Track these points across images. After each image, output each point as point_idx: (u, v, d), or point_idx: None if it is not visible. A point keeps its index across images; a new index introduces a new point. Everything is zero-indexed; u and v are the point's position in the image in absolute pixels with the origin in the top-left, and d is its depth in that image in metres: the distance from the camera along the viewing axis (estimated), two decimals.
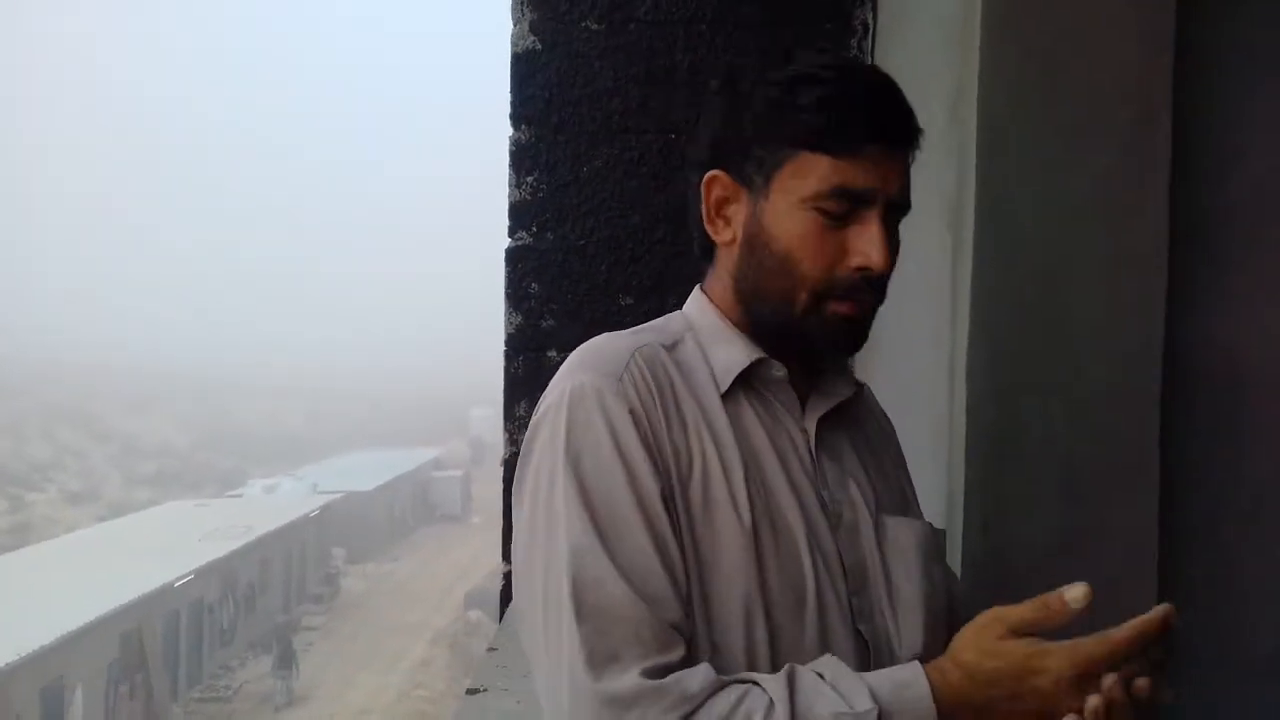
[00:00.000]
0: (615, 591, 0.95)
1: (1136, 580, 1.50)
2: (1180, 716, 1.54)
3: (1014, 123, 1.53)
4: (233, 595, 31.01)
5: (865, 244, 1.04)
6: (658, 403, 1.05)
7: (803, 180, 1.05)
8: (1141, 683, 0.91)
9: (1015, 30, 1.54)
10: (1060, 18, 1.54)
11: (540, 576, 1.00)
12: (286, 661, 28.06)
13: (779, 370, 1.12)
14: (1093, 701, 0.88)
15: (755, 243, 1.10)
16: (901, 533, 1.14)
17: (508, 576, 2.39)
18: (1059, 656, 0.90)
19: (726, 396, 1.09)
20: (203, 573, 28.48)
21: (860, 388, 1.23)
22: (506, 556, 2.42)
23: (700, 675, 0.93)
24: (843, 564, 1.08)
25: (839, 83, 1.05)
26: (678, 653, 0.95)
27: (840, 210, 1.04)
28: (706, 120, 1.15)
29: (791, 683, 0.93)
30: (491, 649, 1.60)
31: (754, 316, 1.13)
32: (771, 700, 0.91)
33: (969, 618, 0.99)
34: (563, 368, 1.09)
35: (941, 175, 1.66)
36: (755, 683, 0.94)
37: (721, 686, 0.94)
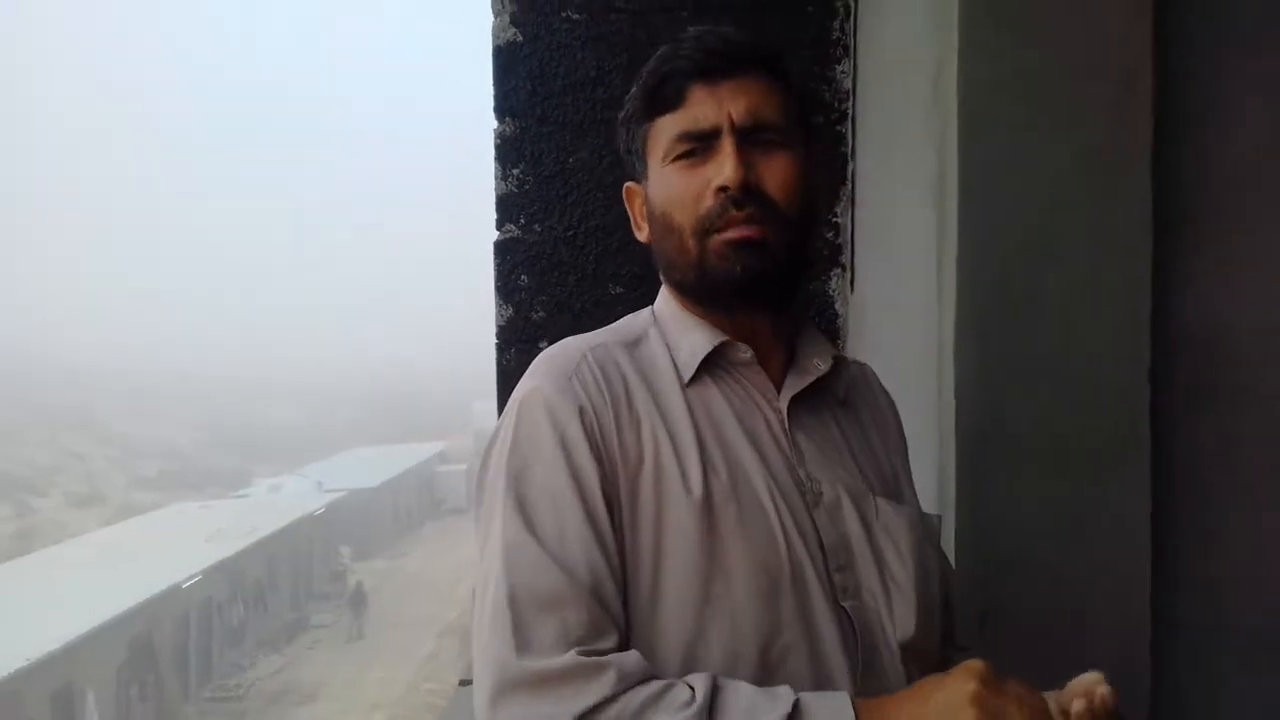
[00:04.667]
0: (548, 580, 0.97)
1: (1130, 562, 1.50)
2: (1176, 696, 1.54)
3: (995, 101, 1.52)
4: (241, 595, 31.09)
5: (717, 167, 1.07)
6: (608, 401, 1.07)
7: (657, 144, 1.13)
8: None
9: (994, 6, 1.53)
10: None
11: (481, 572, 1.03)
12: (359, 603, 34.75)
13: (744, 352, 1.14)
14: None
15: (651, 220, 1.16)
16: (891, 514, 1.13)
17: None
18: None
19: (692, 384, 1.12)
20: (210, 573, 28.55)
21: (843, 364, 1.23)
22: None
23: (634, 658, 0.95)
24: (820, 541, 1.07)
25: (665, 50, 1.13)
26: (609, 641, 0.97)
27: (689, 151, 1.09)
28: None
29: (714, 680, 0.94)
30: None
31: (682, 291, 1.17)
32: (693, 692, 0.92)
33: (961, 604, 1.00)
34: (525, 373, 1.14)
35: (924, 155, 1.65)
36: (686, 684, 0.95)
37: (652, 675, 0.95)
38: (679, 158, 1.10)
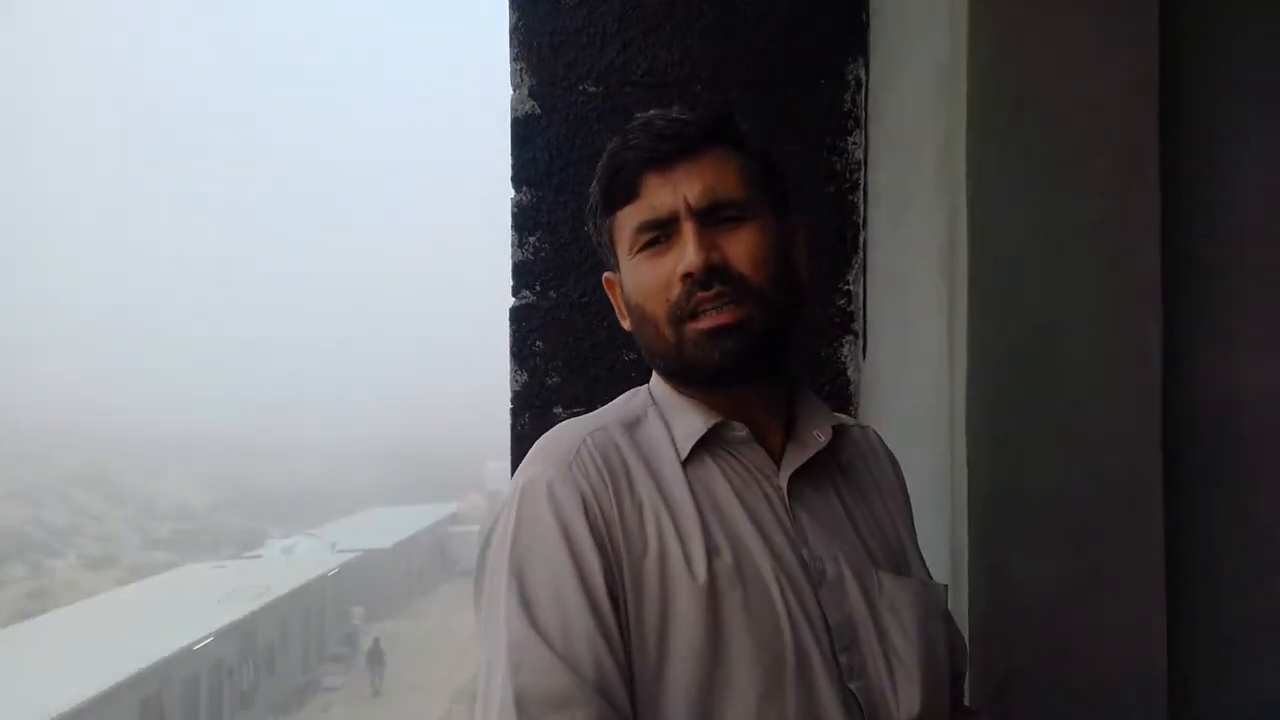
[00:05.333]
0: (555, 680, 0.95)
1: (1144, 626, 1.49)
2: None
3: (1001, 172, 1.54)
4: (252, 657, 30.89)
5: (680, 254, 1.07)
6: (609, 486, 1.05)
7: (622, 236, 1.13)
8: None
9: (1001, 79, 1.56)
10: (1044, 65, 1.56)
11: (484, 669, 1.01)
12: (376, 660, 35.30)
13: (740, 430, 1.12)
14: None
15: (629, 312, 1.16)
16: (895, 589, 1.11)
17: None
18: None
19: (691, 464, 1.10)
20: (222, 635, 28.40)
21: (844, 431, 1.21)
22: None
23: None
24: (826, 621, 1.05)
25: (615, 142, 1.13)
26: None
27: (652, 240, 1.10)
28: None
29: None
30: None
31: (669, 376, 1.16)
32: None
33: (977, 672, 1.00)
34: (524, 459, 1.13)
35: (935, 224, 1.68)
36: None
37: None
38: (643, 248, 1.10)
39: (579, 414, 2.34)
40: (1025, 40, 1.56)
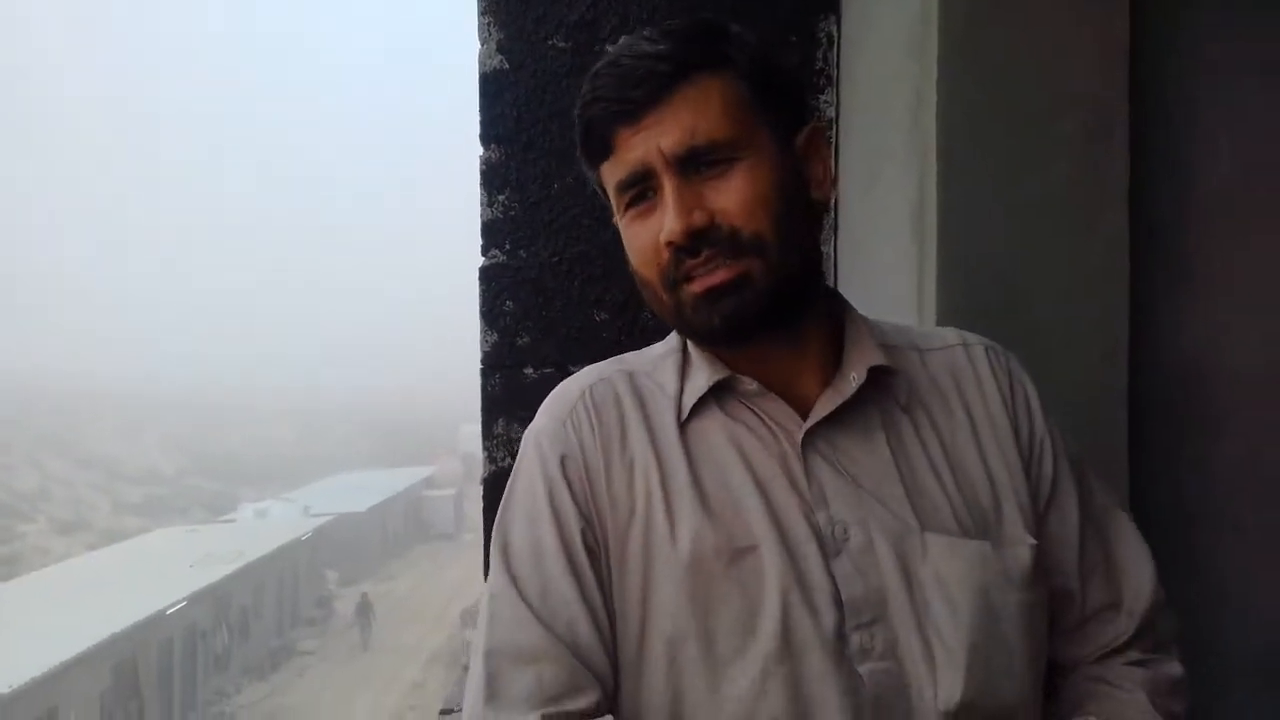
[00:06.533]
0: (527, 635, 0.94)
1: None
2: None
3: (971, 133, 1.54)
4: (226, 621, 30.88)
5: (663, 216, 0.95)
6: (598, 447, 1.01)
7: (610, 192, 1.02)
8: None
9: (972, 40, 1.55)
10: (1015, 27, 1.55)
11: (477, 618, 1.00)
12: (364, 614, 36.17)
13: (749, 384, 1.01)
14: None
15: (632, 273, 1.05)
16: (944, 554, 0.95)
17: None
18: None
19: (697, 420, 1.02)
20: (195, 599, 28.37)
21: (904, 360, 1.06)
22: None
23: None
24: (837, 595, 0.93)
25: (585, 87, 1.00)
26: (586, 699, 0.92)
27: (636, 197, 0.98)
28: None
29: None
30: (467, 668, 1.59)
31: (680, 333, 1.08)
32: None
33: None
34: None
35: (905, 185, 1.67)
36: None
37: None
38: (629, 207, 0.99)
39: (550, 375, 2.36)
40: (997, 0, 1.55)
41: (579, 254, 2.35)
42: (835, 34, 2.24)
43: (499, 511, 1.03)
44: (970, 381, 1.08)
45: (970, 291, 1.53)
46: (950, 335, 1.12)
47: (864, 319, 1.09)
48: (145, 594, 27.18)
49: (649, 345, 1.14)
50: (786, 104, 1.02)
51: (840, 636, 0.92)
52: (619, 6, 2.29)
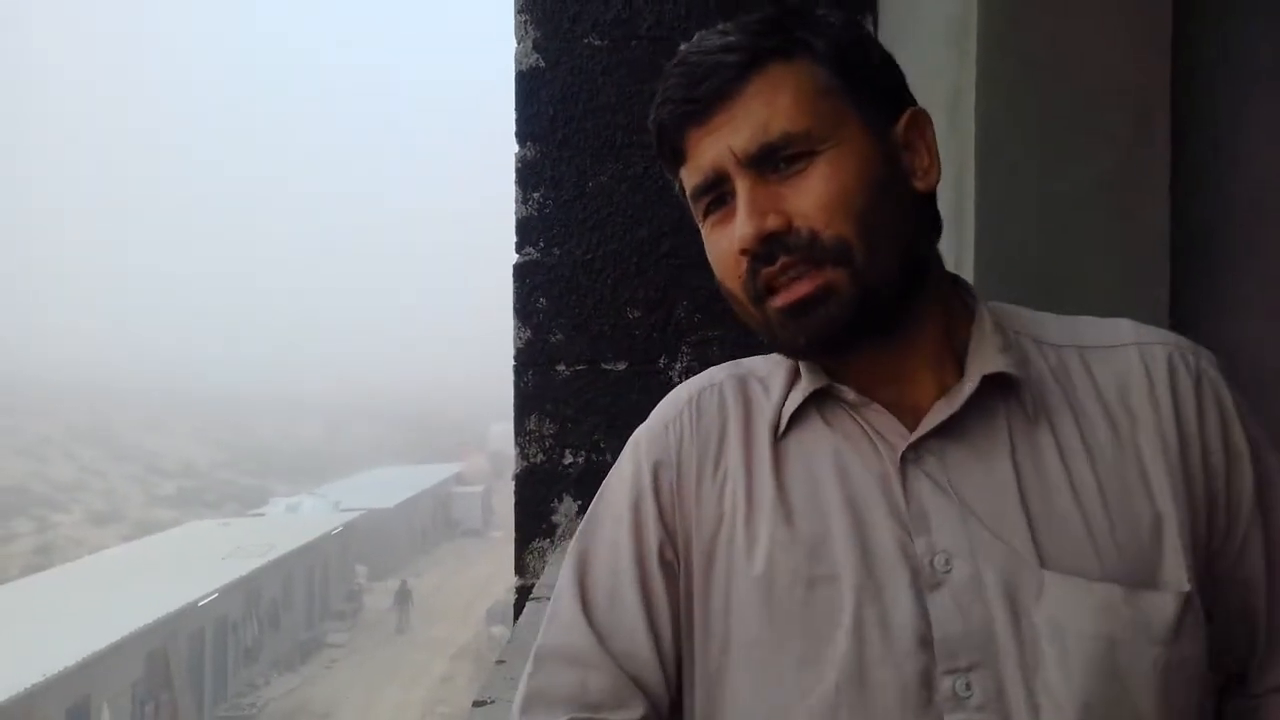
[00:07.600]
0: (581, 640, 0.92)
1: None
2: None
3: (1011, 128, 1.53)
4: (256, 613, 31.18)
5: (734, 228, 0.87)
6: (695, 457, 0.96)
7: (691, 201, 0.94)
8: None
9: (1011, 35, 1.54)
10: (1056, 22, 1.54)
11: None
12: (404, 600, 38.48)
13: (848, 393, 0.91)
14: None
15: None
16: (1063, 597, 0.82)
17: (520, 591, 2.41)
18: None
19: (795, 431, 0.94)
20: (227, 591, 28.63)
21: (1031, 360, 0.91)
22: (519, 571, 2.44)
23: None
24: (929, 634, 0.82)
25: (659, 90, 0.93)
26: (628, 713, 0.88)
27: (713, 203, 0.90)
28: None
29: None
30: (500, 661, 1.60)
31: None
32: None
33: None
34: None
35: (943, 179, 1.66)
36: None
37: None
38: (706, 215, 0.91)
39: (581, 372, 2.36)
40: None
41: (612, 252, 2.36)
42: (873, 30, 2.23)
43: (591, 504, 1.01)
44: (1140, 390, 0.90)
45: (1008, 285, 1.52)
46: (1125, 330, 0.95)
47: (1004, 313, 0.97)
48: (178, 585, 27.48)
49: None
50: (881, 89, 0.91)
51: (926, 683, 0.81)
52: (655, 5, 2.30)
